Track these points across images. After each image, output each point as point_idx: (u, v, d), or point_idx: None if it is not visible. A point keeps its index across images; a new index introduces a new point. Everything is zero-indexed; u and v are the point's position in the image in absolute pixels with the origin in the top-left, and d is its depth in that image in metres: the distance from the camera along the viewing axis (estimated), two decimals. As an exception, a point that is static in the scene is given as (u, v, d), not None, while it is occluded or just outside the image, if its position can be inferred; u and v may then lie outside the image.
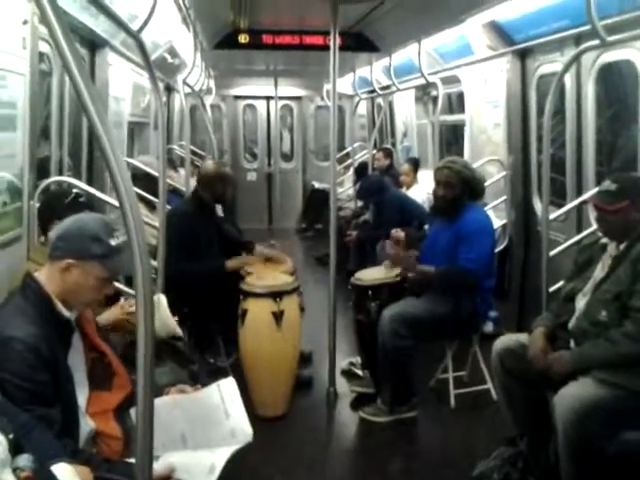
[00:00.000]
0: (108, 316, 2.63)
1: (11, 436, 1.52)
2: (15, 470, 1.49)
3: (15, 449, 1.53)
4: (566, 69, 3.22)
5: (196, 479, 1.76)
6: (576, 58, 3.22)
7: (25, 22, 2.62)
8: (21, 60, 2.61)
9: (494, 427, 3.31)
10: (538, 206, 4.53)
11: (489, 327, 4.49)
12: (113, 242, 1.93)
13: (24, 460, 1.50)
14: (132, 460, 1.88)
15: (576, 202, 3.72)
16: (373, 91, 7.65)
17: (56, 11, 1.14)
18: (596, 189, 2.93)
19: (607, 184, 2.63)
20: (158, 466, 1.71)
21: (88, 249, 1.90)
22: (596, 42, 2.86)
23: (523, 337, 2.85)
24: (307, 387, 4.02)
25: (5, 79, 2.44)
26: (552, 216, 3.50)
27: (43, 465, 1.54)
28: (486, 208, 4.36)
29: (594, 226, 3.02)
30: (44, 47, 3.13)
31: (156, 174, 3.50)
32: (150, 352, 1.18)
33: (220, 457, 1.81)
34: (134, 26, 2.85)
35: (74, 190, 2.86)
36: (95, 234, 1.91)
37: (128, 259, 1.98)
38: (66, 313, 1.93)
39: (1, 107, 2.42)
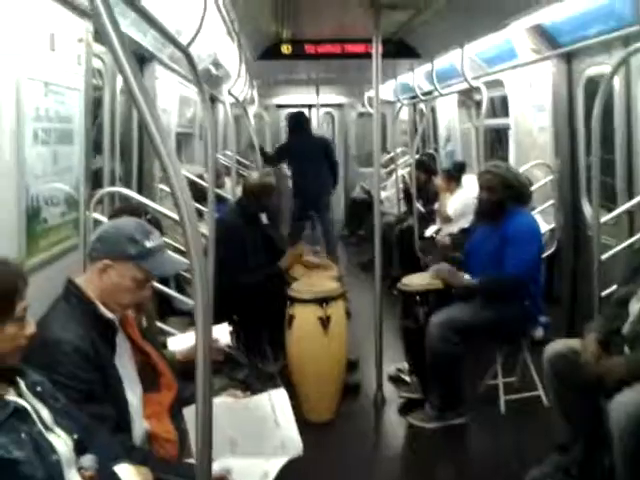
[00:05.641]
0: None
1: (75, 436, 1.58)
2: (80, 469, 1.56)
3: (79, 450, 1.59)
4: (615, 71, 3.16)
5: None
6: (625, 60, 3.16)
7: (80, 40, 2.72)
8: (76, 76, 2.71)
9: (546, 433, 3.26)
10: (587, 209, 4.44)
11: (539, 333, 4.41)
12: (148, 244, 1.96)
13: (88, 460, 1.56)
14: (188, 461, 1.94)
15: (628, 205, 3.64)
16: (415, 97, 7.63)
17: (116, 28, 1.18)
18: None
19: None
20: (214, 468, 1.75)
21: (123, 249, 1.93)
22: (645, 43, 2.81)
23: (575, 343, 2.80)
24: (354, 393, 4.03)
25: (63, 95, 2.54)
26: (603, 220, 3.43)
27: (106, 465, 1.60)
28: (533, 212, 4.30)
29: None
30: (96, 63, 3.26)
31: (202, 182, 3.57)
32: (208, 361, 1.18)
33: (273, 466, 1.84)
34: (181, 40, 2.93)
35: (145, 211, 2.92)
36: (130, 235, 1.94)
37: (164, 261, 2.02)
38: (109, 314, 1.95)
39: (60, 122, 2.51)
